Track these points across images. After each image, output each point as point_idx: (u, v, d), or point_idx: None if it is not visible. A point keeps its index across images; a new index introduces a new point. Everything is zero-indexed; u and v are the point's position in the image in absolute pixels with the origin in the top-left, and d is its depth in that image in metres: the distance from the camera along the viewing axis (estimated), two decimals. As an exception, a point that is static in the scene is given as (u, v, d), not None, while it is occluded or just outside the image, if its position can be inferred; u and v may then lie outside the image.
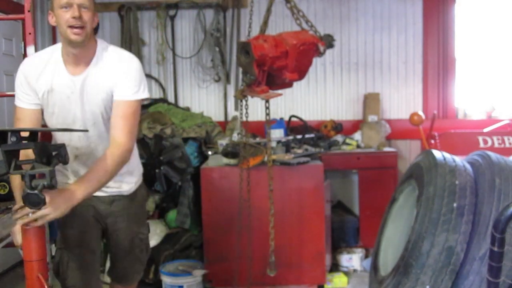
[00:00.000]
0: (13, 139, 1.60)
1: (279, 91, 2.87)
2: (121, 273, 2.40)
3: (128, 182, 2.25)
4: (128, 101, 2.02)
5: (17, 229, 1.91)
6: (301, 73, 2.86)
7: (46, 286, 1.69)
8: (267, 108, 2.80)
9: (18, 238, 1.90)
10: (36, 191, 1.57)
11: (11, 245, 2.59)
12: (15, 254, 3.14)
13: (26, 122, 2.03)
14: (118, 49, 2.10)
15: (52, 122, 2.09)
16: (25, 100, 2.04)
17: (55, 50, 2.03)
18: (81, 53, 1.97)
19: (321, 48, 2.86)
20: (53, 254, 3.86)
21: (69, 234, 2.15)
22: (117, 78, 2.01)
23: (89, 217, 2.20)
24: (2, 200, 2.61)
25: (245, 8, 4.80)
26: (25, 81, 2.01)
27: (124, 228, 2.29)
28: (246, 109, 2.83)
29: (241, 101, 2.86)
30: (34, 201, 1.59)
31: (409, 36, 4.88)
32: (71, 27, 1.87)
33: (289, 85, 2.96)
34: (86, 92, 2.02)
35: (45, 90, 2.01)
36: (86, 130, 2.05)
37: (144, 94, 2.08)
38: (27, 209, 1.65)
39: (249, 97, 2.82)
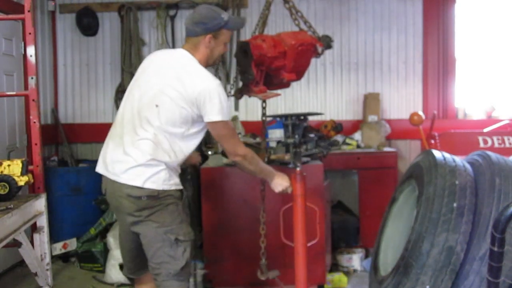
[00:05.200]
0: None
1: (277, 91, 2.87)
2: None
3: None
4: None
5: (288, 182, 2.61)
6: (299, 74, 2.86)
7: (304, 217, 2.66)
8: (263, 108, 2.80)
9: (289, 190, 2.61)
10: None
11: (11, 245, 2.60)
12: (15, 254, 3.14)
13: None
14: None
15: None
16: None
17: None
18: None
19: (319, 49, 2.87)
20: (53, 254, 3.87)
21: None
22: None
23: None
24: (2, 200, 2.62)
25: (245, 8, 4.80)
26: None
27: None
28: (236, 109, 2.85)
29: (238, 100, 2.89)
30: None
31: (409, 36, 4.88)
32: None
33: (287, 85, 2.96)
34: None
35: None
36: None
37: None
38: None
39: (250, 97, 2.82)
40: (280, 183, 2.59)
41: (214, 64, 2.48)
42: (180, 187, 2.41)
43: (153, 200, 2.27)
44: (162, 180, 2.28)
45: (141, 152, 2.25)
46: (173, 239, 2.30)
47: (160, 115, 2.26)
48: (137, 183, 2.25)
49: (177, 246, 2.31)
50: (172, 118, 2.26)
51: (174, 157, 2.31)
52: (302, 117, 2.77)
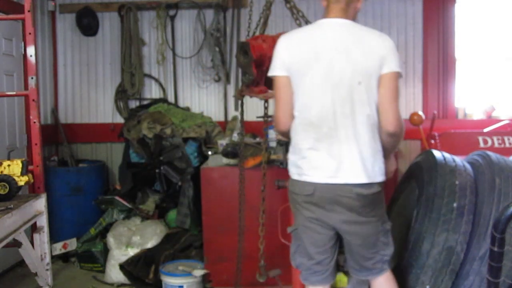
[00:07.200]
0: None
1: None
2: None
3: None
4: None
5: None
6: (301, 73, 2.85)
7: None
8: (265, 108, 2.80)
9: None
10: None
11: (11, 245, 2.59)
12: (15, 254, 3.14)
13: None
14: None
15: None
16: None
17: None
18: None
19: (321, 48, 2.86)
20: (53, 254, 3.87)
21: None
22: None
23: None
24: (2, 200, 2.62)
25: (245, 8, 4.79)
26: None
27: None
28: (242, 108, 2.84)
29: (241, 101, 2.87)
30: None
31: (409, 36, 4.88)
32: None
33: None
34: None
35: None
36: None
37: None
38: None
39: (251, 97, 2.82)
40: (394, 163, 2.46)
41: None
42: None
43: (379, 195, 2.19)
44: (383, 170, 2.21)
45: (363, 142, 2.14)
46: (388, 228, 2.27)
47: (367, 90, 2.12)
48: (365, 179, 2.13)
49: (389, 233, 2.29)
50: (375, 87, 2.14)
51: (379, 137, 2.19)
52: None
